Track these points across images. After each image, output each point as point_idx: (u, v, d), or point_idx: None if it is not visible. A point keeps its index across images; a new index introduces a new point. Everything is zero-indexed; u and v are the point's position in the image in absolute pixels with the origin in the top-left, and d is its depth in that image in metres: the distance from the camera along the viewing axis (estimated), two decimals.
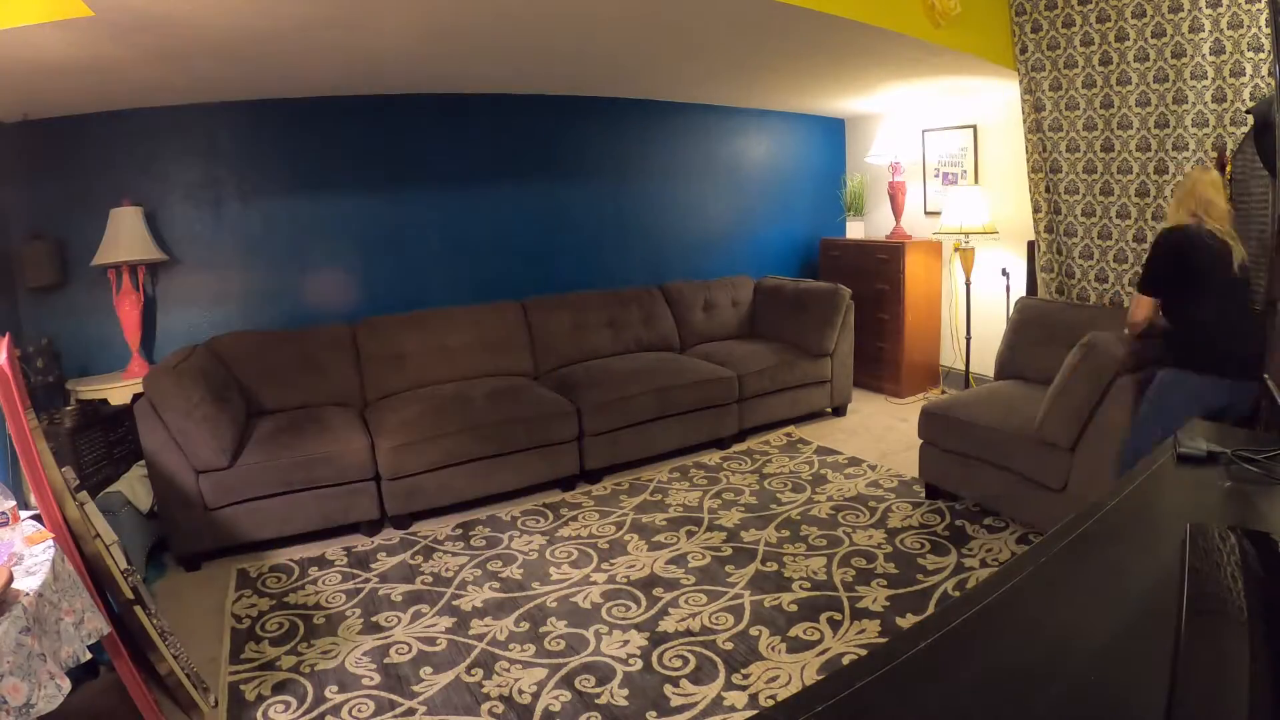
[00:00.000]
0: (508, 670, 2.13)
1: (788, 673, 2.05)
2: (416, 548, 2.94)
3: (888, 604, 2.37)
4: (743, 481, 3.46)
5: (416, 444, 3.05)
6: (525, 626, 2.35)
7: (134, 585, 1.88)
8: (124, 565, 1.91)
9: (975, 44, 3.48)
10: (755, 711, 1.86)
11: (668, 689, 2.00)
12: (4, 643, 1.24)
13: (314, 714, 1.97)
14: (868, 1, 2.88)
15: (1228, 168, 2.82)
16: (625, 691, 2.00)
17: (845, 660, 2.10)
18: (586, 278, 4.47)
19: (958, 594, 2.42)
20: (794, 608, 2.37)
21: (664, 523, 3.06)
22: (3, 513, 1.67)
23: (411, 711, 1.96)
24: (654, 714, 1.90)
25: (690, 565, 2.69)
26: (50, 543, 1.59)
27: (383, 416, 3.19)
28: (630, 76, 3.98)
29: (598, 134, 4.49)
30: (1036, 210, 3.78)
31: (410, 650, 2.25)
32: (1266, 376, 1.64)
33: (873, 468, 3.56)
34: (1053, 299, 3.68)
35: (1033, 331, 3.34)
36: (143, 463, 2.85)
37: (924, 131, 4.86)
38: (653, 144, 4.68)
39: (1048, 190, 3.72)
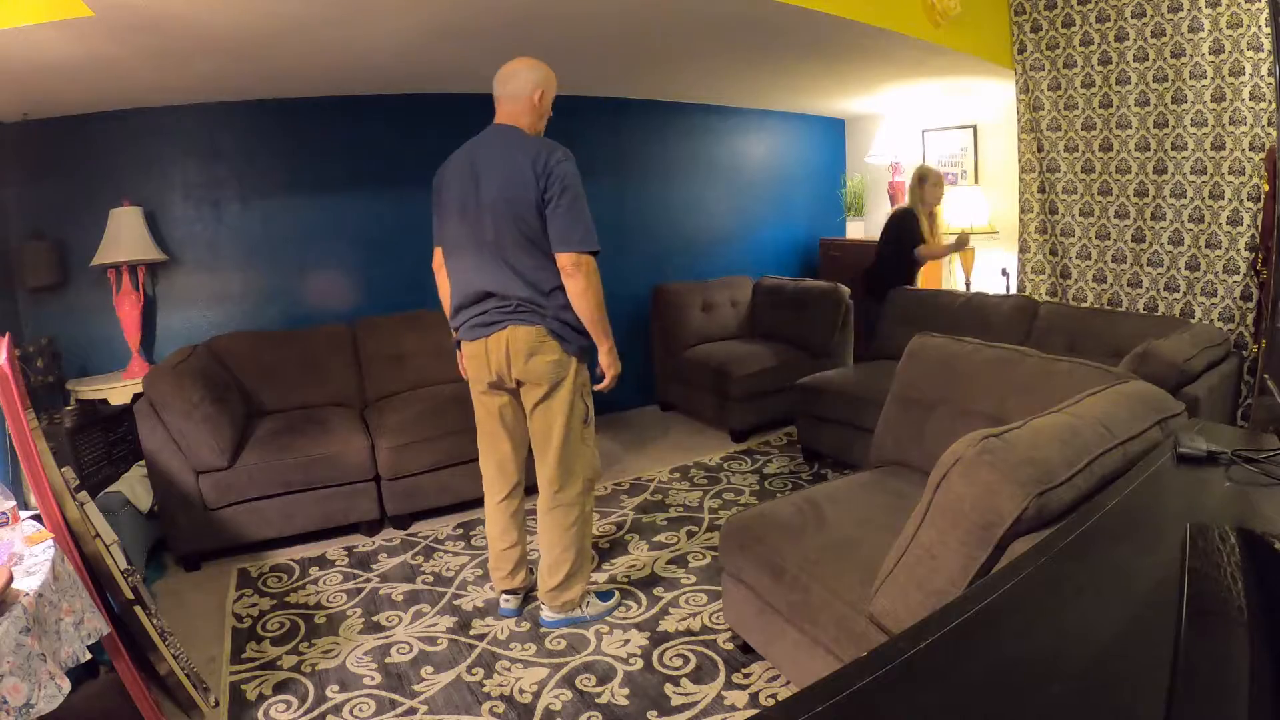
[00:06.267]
0: (508, 670, 2.13)
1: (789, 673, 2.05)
2: (417, 548, 2.94)
3: None
4: (743, 481, 3.46)
5: (416, 444, 3.05)
6: (526, 626, 2.35)
7: (134, 585, 1.88)
8: (124, 565, 1.91)
9: (975, 44, 3.48)
10: (756, 711, 1.87)
11: (668, 688, 2.00)
12: (4, 643, 1.24)
13: (315, 713, 1.97)
14: (868, 1, 2.88)
15: (1279, 164, 2.79)
16: (626, 691, 2.00)
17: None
18: None
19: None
20: None
21: (664, 523, 3.06)
22: (3, 513, 1.67)
23: (412, 711, 1.96)
24: (655, 713, 1.90)
25: (690, 565, 2.69)
26: (50, 543, 1.59)
27: (383, 417, 3.19)
28: (630, 76, 3.98)
29: (597, 134, 4.48)
30: (1027, 210, 3.77)
31: (411, 650, 2.25)
32: (1267, 376, 1.64)
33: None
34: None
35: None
36: (143, 463, 2.85)
37: (924, 131, 4.86)
38: (653, 144, 4.68)
39: (1042, 190, 3.71)
